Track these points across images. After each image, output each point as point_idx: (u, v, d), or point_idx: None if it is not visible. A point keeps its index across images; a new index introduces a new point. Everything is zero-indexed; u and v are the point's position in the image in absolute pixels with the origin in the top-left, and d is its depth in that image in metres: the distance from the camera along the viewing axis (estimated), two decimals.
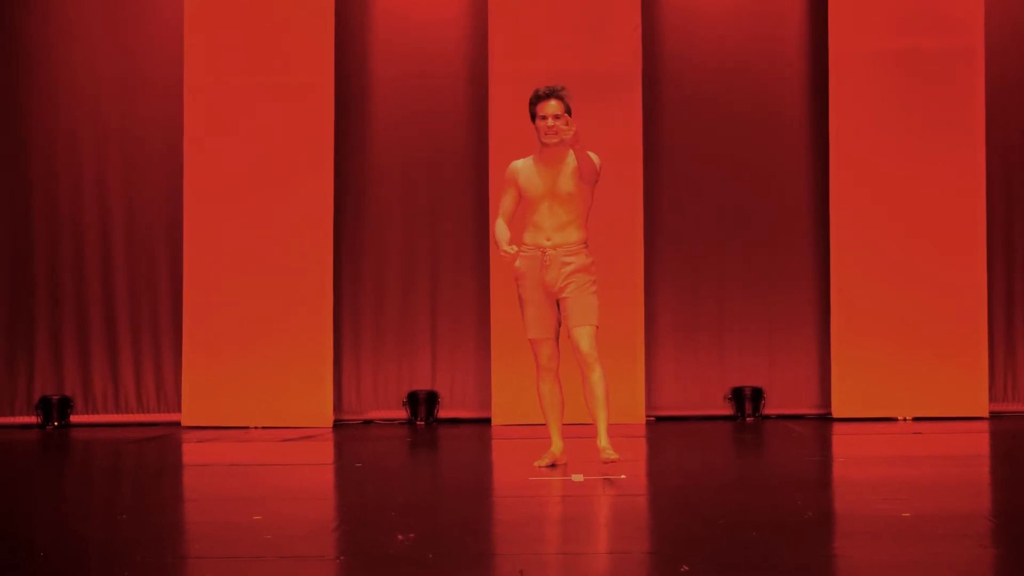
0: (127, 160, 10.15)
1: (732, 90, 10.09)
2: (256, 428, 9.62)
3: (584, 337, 6.54)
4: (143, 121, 10.14)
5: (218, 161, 9.82)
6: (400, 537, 4.14)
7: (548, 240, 6.55)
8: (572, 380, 7.05)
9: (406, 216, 10.20)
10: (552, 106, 6.51)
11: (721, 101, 10.09)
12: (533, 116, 6.55)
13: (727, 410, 9.97)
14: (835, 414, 9.68)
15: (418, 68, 10.16)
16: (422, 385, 10.09)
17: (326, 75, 9.78)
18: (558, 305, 6.61)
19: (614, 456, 6.49)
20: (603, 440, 6.56)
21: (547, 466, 6.65)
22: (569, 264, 6.56)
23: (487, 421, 9.85)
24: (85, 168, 10.13)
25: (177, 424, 9.82)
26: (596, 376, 6.56)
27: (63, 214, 10.12)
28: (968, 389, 9.61)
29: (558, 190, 6.53)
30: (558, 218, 6.54)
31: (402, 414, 10.08)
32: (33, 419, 9.99)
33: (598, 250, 10.25)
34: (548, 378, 6.71)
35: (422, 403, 9.97)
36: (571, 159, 6.55)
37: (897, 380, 9.63)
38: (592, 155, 6.56)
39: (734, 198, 10.08)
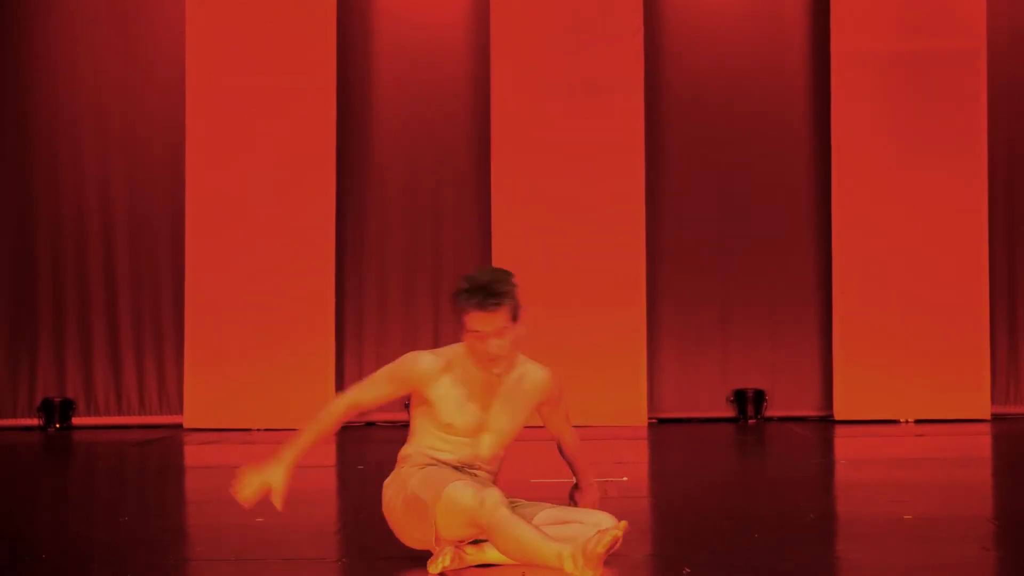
0: (130, 162, 10.15)
1: (734, 93, 10.08)
2: (258, 430, 9.61)
3: None
4: (145, 124, 10.13)
5: (220, 163, 9.81)
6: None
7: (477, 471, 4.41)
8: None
9: (408, 218, 10.19)
10: (495, 319, 4.28)
11: (723, 104, 10.08)
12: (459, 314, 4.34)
13: (729, 412, 9.96)
14: (837, 416, 9.67)
15: (420, 71, 10.16)
16: None
17: (328, 77, 9.77)
18: None
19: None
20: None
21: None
22: None
23: None
24: (88, 170, 10.13)
25: (179, 426, 9.81)
26: None
27: (66, 216, 10.11)
28: (970, 392, 9.59)
29: (501, 428, 4.38)
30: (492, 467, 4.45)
31: (404, 416, 10.06)
32: (35, 421, 9.98)
33: (600, 253, 10.29)
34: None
35: None
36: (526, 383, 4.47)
37: (899, 382, 9.61)
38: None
39: (736, 201, 10.06)
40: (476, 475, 4.33)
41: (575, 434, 4.59)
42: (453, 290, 4.32)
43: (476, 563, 4.21)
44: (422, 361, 4.42)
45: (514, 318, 4.31)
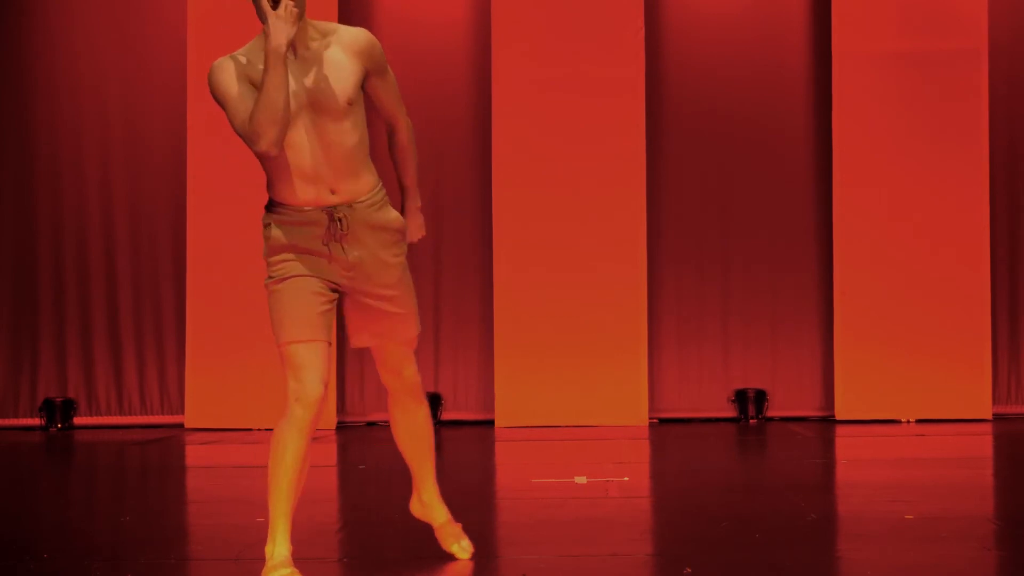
0: (130, 161, 10.15)
1: (735, 93, 10.08)
2: (260, 430, 9.62)
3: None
4: (146, 122, 10.13)
5: (221, 163, 9.81)
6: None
7: (333, 194, 4.06)
8: None
9: None
10: None
11: (724, 104, 10.08)
12: None
13: (730, 412, 9.96)
14: (838, 416, 9.67)
15: (420, 71, 10.16)
16: (425, 387, 10.08)
17: None
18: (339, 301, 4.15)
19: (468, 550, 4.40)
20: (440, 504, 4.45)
21: None
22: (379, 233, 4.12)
23: (490, 423, 9.85)
24: (88, 169, 10.13)
25: (180, 426, 9.82)
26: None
27: (66, 215, 10.11)
28: (971, 391, 9.60)
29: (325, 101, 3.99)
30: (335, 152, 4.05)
31: None
32: (36, 421, 9.98)
33: (601, 253, 10.30)
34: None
35: None
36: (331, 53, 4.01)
37: (900, 382, 9.62)
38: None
39: (737, 201, 10.06)
40: (335, 225, 3.93)
41: (410, 126, 4.25)
42: None
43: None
44: (215, 64, 3.95)
45: None
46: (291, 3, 3.82)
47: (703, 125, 10.07)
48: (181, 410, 9.94)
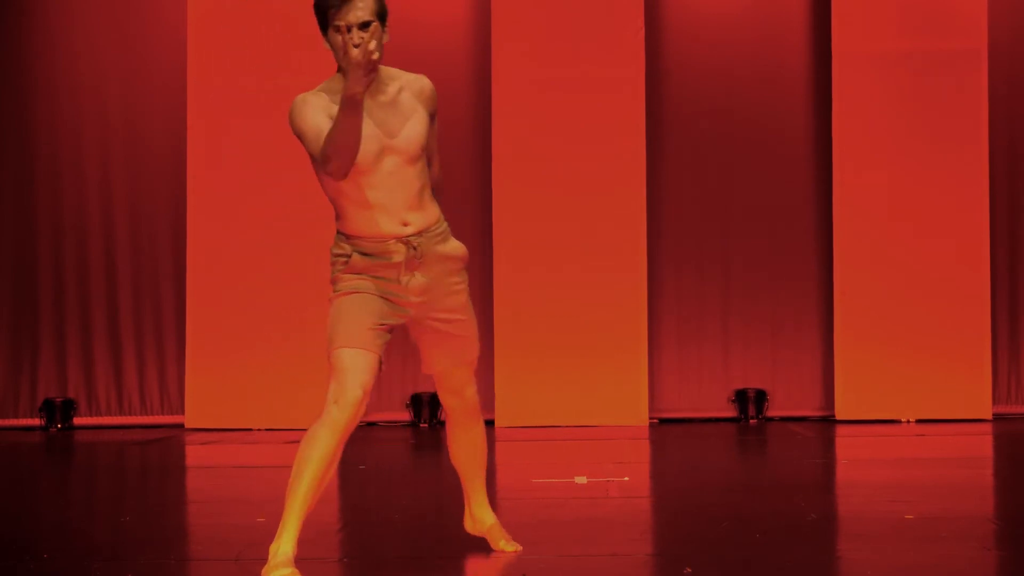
0: (130, 161, 10.14)
1: (735, 93, 10.08)
2: (260, 430, 9.62)
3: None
4: (146, 123, 10.13)
5: (221, 162, 9.81)
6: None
7: (405, 226, 4.24)
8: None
9: None
10: (359, 9, 4.12)
11: (724, 104, 10.08)
12: (324, 27, 4.25)
13: (730, 412, 9.96)
14: (838, 416, 9.67)
15: (420, 71, 10.11)
16: (425, 387, 10.08)
17: (328, 76, 9.75)
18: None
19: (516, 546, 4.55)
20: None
21: None
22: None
23: (490, 423, 9.85)
24: (88, 169, 10.13)
25: (180, 426, 9.81)
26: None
27: (66, 215, 10.11)
28: (972, 391, 9.59)
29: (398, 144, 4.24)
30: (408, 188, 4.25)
31: (405, 416, 10.07)
32: (36, 421, 9.98)
33: (601, 253, 10.29)
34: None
35: (425, 405, 9.97)
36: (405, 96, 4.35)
37: (900, 382, 9.62)
38: None
39: (737, 201, 10.06)
40: (402, 253, 4.14)
41: (441, 168, 4.47)
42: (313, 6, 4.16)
43: None
44: (298, 99, 4.25)
45: (381, 16, 4.14)
46: (373, 51, 3.96)
47: (703, 125, 10.07)
48: (181, 410, 9.93)
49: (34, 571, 4.29)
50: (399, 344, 10.59)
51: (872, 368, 9.59)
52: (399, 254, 4.18)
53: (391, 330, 4.21)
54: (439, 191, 4.41)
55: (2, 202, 10.10)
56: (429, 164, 4.39)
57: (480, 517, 4.58)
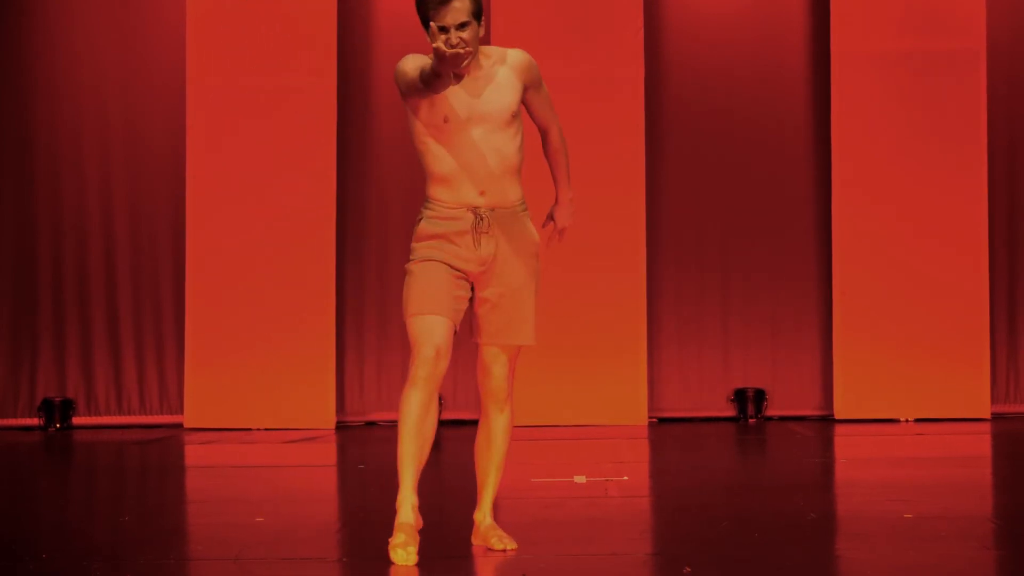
0: (130, 161, 10.14)
1: (734, 92, 10.08)
2: (259, 430, 9.62)
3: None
4: (146, 122, 10.13)
5: (221, 162, 9.81)
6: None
7: (481, 195, 4.52)
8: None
9: (409, 217, 10.15)
10: (458, 10, 4.34)
11: (723, 103, 10.08)
12: (426, 23, 4.38)
13: (730, 411, 9.96)
14: (837, 415, 9.68)
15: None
16: None
17: (329, 76, 9.77)
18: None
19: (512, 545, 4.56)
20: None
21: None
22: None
23: None
24: (88, 169, 10.13)
25: (179, 426, 9.82)
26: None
27: (66, 214, 10.11)
28: (970, 390, 9.60)
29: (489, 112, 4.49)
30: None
31: None
32: (35, 421, 9.98)
33: (601, 253, 10.29)
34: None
35: None
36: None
37: (899, 381, 9.62)
38: None
39: (736, 201, 10.07)
40: (477, 219, 4.45)
41: (560, 130, 4.74)
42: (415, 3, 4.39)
43: None
44: (404, 60, 4.43)
45: (477, 15, 4.40)
46: (465, 52, 4.19)
47: (702, 125, 10.07)
48: (180, 410, 9.93)
49: (33, 571, 4.29)
50: (398, 344, 10.61)
51: (871, 368, 9.60)
52: (468, 221, 4.45)
53: (461, 297, 4.43)
54: (560, 152, 4.76)
55: (2, 202, 10.10)
56: (546, 132, 4.71)
57: (476, 517, 4.65)
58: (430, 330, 4.32)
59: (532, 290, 4.57)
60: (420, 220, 4.50)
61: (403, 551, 4.25)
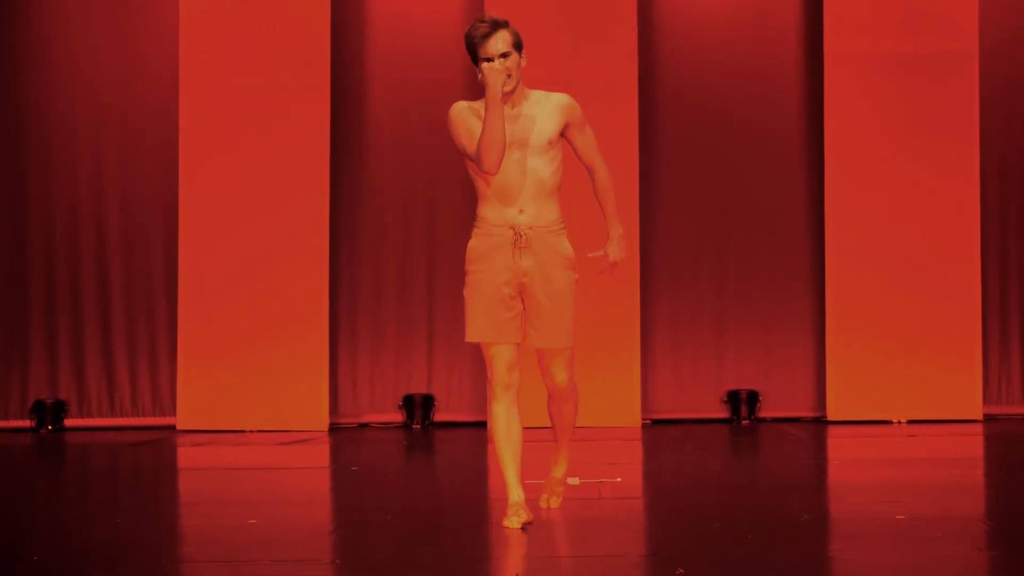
0: (123, 163, 10.13)
1: (728, 93, 10.09)
2: (252, 432, 9.61)
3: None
4: (139, 123, 10.11)
5: (214, 163, 9.80)
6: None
7: (521, 214, 5.09)
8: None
9: (403, 219, 10.19)
10: (501, 41, 5.07)
11: (717, 104, 10.09)
12: (475, 59, 5.07)
13: (723, 413, 9.97)
14: (830, 417, 9.69)
15: (415, 71, 10.15)
16: (418, 388, 10.09)
17: (322, 77, 9.77)
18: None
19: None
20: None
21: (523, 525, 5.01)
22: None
23: (483, 424, 9.85)
24: (81, 170, 10.11)
25: (172, 428, 9.81)
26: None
27: (58, 216, 10.09)
28: (963, 392, 9.62)
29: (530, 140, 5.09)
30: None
31: (398, 417, 10.08)
32: (27, 423, 9.97)
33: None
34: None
35: (418, 406, 9.97)
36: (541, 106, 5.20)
37: (892, 383, 9.64)
38: None
39: (730, 202, 10.07)
40: (519, 235, 5.05)
41: (607, 169, 5.30)
42: (465, 37, 5.03)
43: None
44: (453, 107, 5.10)
45: (517, 47, 5.08)
46: (502, 62, 4.99)
47: (696, 125, 10.08)
48: (173, 412, 9.92)
49: (27, 574, 4.29)
50: (392, 346, 10.60)
51: (864, 369, 9.61)
52: (508, 237, 5.05)
53: (515, 316, 5.11)
54: (607, 190, 5.34)
55: None
56: (592, 171, 5.31)
57: (551, 470, 5.52)
58: (500, 357, 5.09)
59: (569, 300, 5.29)
60: (471, 239, 5.09)
61: (516, 517, 4.91)
